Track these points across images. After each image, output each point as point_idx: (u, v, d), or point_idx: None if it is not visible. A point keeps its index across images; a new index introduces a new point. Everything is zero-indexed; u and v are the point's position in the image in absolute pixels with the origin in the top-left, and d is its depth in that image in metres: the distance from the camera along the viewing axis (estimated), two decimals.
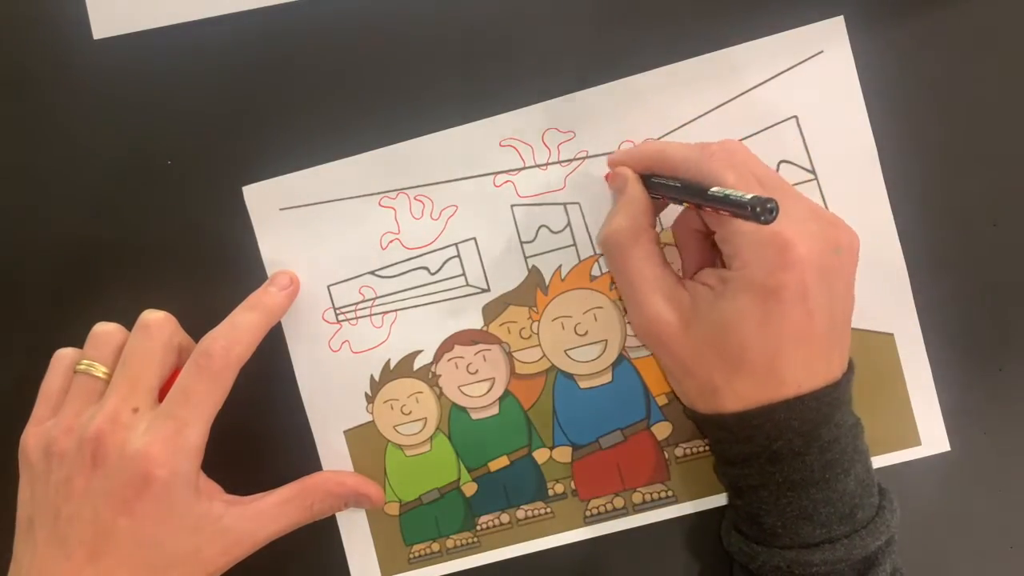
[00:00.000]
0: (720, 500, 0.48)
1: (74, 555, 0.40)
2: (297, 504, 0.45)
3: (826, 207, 0.47)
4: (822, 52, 0.46)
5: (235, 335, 0.44)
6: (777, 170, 0.47)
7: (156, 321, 0.44)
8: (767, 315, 0.39)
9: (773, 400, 0.39)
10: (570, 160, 0.48)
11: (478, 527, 0.49)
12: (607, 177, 0.47)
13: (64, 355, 0.46)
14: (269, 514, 0.44)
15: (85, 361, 0.44)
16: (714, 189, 0.39)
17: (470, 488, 0.49)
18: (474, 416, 0.49)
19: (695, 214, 0.44)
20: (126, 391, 0.42)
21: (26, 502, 0.43)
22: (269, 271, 0.49)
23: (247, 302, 0.46)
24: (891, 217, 0.47)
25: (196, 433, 0.42)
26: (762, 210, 0.35)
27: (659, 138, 0.47)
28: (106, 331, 0.44)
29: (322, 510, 0.46)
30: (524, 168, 0.48)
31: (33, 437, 0.44)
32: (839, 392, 0.40)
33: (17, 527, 0.43)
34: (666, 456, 0.48)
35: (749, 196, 0.36)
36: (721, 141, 0.42)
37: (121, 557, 0.40)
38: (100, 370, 0.44)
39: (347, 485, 0.47)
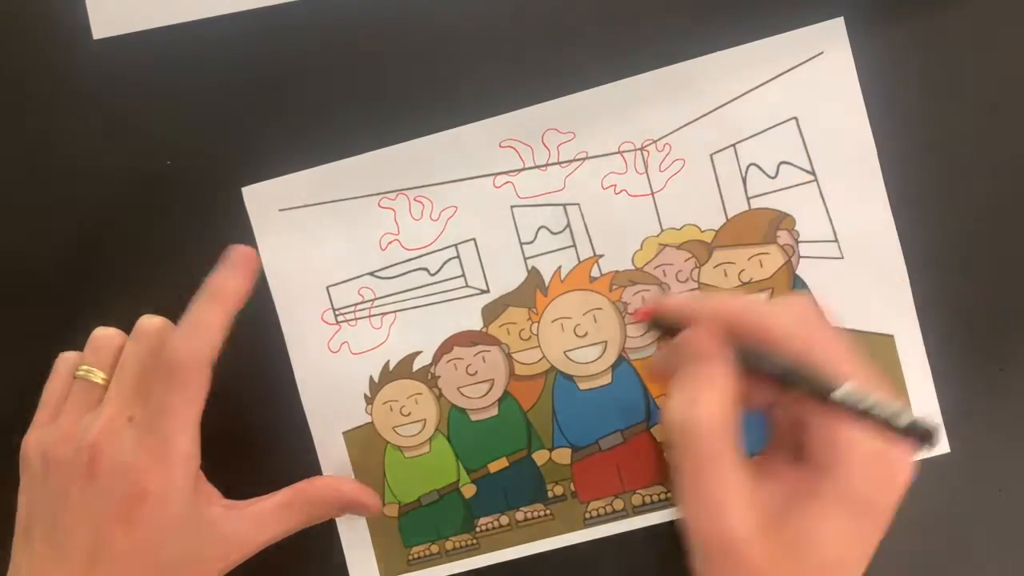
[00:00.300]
0: None
1: (71, 562, 0.40)
2: (295, 509, 0.45)
3: (826, 208, 0.47)
4: (822, 53, 0.46)
5: (198, 337, 0.42)
6: (777, 171, 0.47)
7: (152, 328, 0.44)
8: (862, 535, 0.35)
9: None
10: (570, 161, 0.48)
11: (477, 529, 0.49)
12: (640, 312, 0.42)
13: (66, 359, 0.45)
14: (267, 518, 0.44)
15: (84, 367, 0.44)
16: (847, 390, 0.33)
17: (469, 490, 0.49)
18: (473, 417, 0.49)
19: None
20: (122, 400, 0.42)
21: (24, 507, 0.43)
22: (269, 272, 0.49)
23: (207, 293, 0.43)
24: (891, 217, 0.47)
25: (183, 442, 0.41)
26: (924, 438, 0.31)
27: (660, 138, 0.47)
28: (105, 335, 0.44)
29: (319, 515, 0.46)
30: (524, 169, 0.48)
31: (33, 442, 0.44)
32: None
33: (16, 531, 0.43)
34: (666, 458, 0.48)
35: (903, 414, 0.32)
36: (799, 298, 0.38)
37: (117, 565, 0.40)
38: (99, 376, 0.44)
39: (345, 492, 0.47)
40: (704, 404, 0.35)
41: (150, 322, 0.44)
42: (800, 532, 0.35)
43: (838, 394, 0.33)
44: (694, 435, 0.35)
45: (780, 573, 0.34)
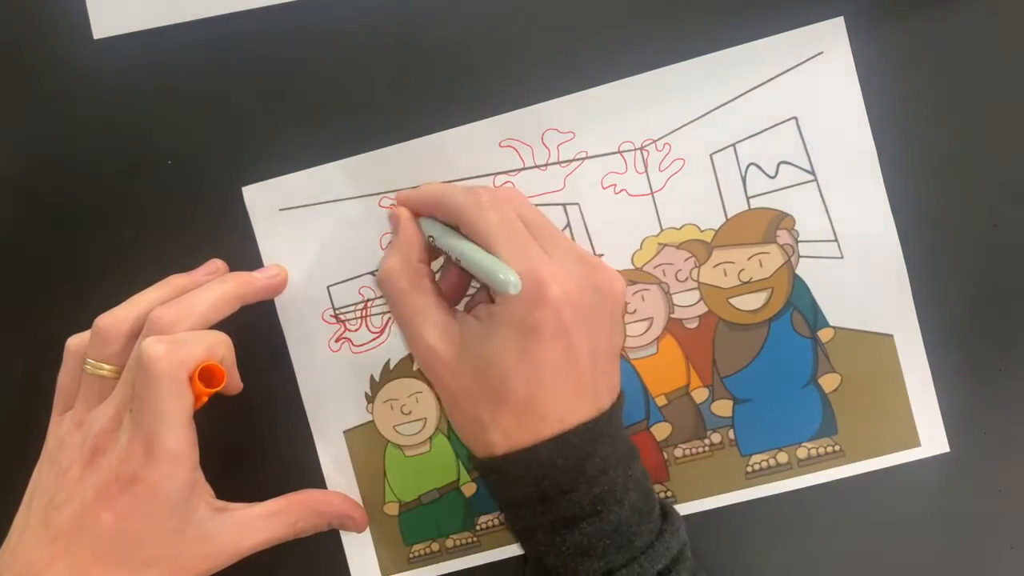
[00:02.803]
0: (720, 500, 0.48)
1: (55, 542, 0.41)
2: (282, 519, 0.45)
3: (826, 207, 0.47)
4: (822, 53, 0.46)
5: (173, 339, 0.42)
6: (777, 171, 0.47)
7: (166, 320, 0.44)
8: (526, 351, 0.40)
9: (537, 438, 0.40)
10: (570, 160, 0.48)
11: (478, 527, 0.49)
12: (389, 210, 0.48)
13: (73, 350, 0.46)
14: (253, 526, 0.44)
15: (91, 361, 0.44)
16: (469, 253, 0.42)
17: (470, 488, 0.49)
18: None
19: None
20: (129, 392, 0.42)
21: (33, 483, 0.44)
22: None
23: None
24: (891, 217, 0.47)
25: (169, 439, 0.41)
26: (502, 284, 0.39)
27: (660, 138, 0.47)
28: (105, 326, 0.44)
29: (305, 528, 0.46)
30: (524, 168, 0.48)
31: (53, 427, 0.45)
32: (601, 426, 0.41)
33: (22, 502, 0.44)
34: (665, 456, 0.48)
35: (493, 267, 0.40)
36: (494, 188, 0.44)
37: (98, 552, 0.41)
38: (105, 369, 0.44)
39: (334, 505, 0.48)
40: (389, 258, 0.45)
41: (162, 313, 0.43)
42: (480, 356, 0.41)
43: (466, 254, 0.42)
44: (386, 282, 0.44)
45: (471, 397, 0.42)
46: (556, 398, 0.40)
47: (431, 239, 0.45)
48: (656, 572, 0.41)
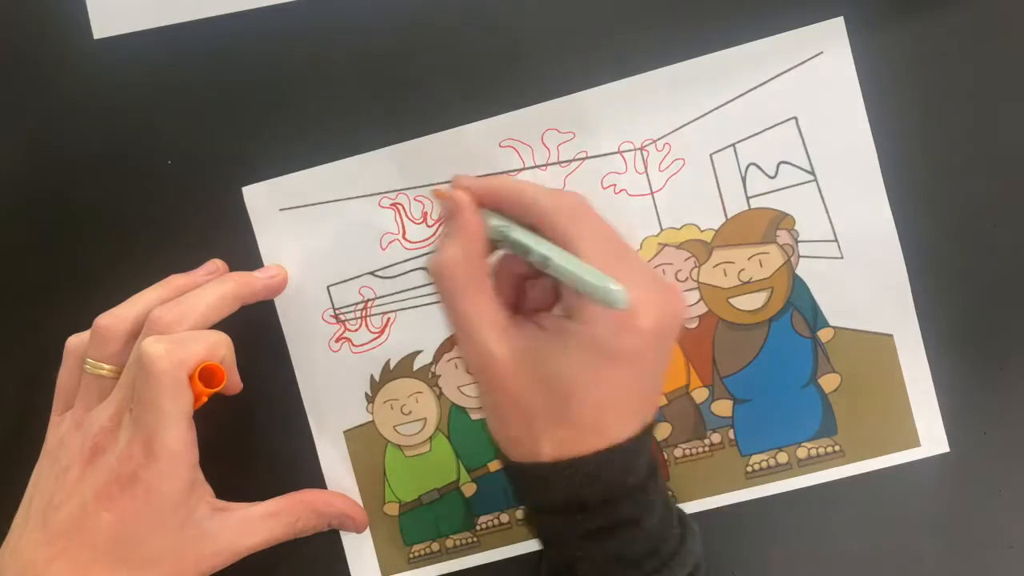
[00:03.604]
0: (721, 500, 0.48)
1: (54, 542, 0.41)
2: (282, 519, 0.45)
3: (826, 207, 0.47)
4: (822, 53, 0.46)
5: (173, 339, 0.42)
6: (776, 171, 0.47)
7: (166, 320, 0.44)
8: (601, 375, 0.39)
9: (588, 450, 0.39)
10: (570, 161, 0.48)
11: (478, 527, 0.49)
12: (436, 193, 0.45)
13: (73, 349, 0.46)
14: (253, 526, 0.44)
15: (90, 361, 0.44)
16: (563, 260, 0.38)
17: (470, 488, 0.49)
18: (474, 416, 0.49)
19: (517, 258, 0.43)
20: (129, 392, 0.42)
21: (33, 483, 0.44)
22: None
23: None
24: (891, 217, 0.47)
25: (171, 437, 0.41)
26: (612, 300, 0.37)
27: (660, 138, 0.47)
28: (105, 326, 0.44)
29: (305, 528, 0.46)
30: (524, 168, 0.48)
31: (53, 426, 0.45)
32: (643, 440, 0.41)
33: (22, 502, 0.44)
34: (665, 456, 0.48)
35: (600, 281, 0.37)
36: (572, 193, 0.42)
37: (98, 551, 0.41)
38: (104, 368, 0.44)
39: (334, 505, 0.48)
40: (446, 250, 0.41)
41: (162, 313, 0.43)
42: (547, 371, 0.39)
43: (557, 262, 0.38)
44: (438, 275, 0.41)
45: (526, 407, 0.40)
46: (617, 417, 0.40)
47: (498, 235, 0.41)
48: (686, 575, 0.41)
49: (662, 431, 0.48)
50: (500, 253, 0.43)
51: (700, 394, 0.48)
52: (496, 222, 0.41)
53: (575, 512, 0.40)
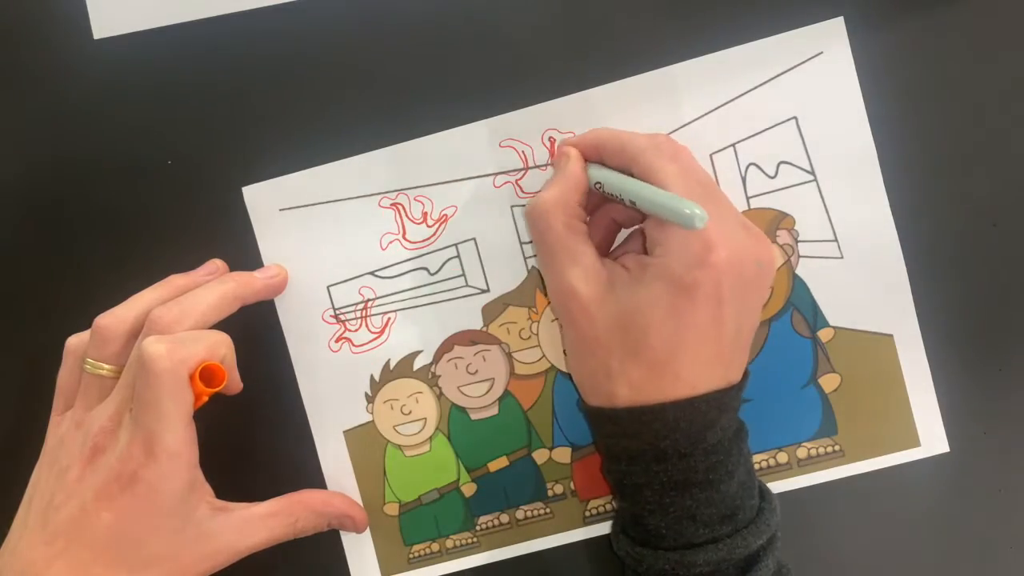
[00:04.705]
0: None
1: (54, 542, 0.41)
2: (282, 519, 0.45)
3: (826, 207, 0.47)
4: (822, 53, 0.46)
5: (172, 339, 0.42)
6: (776, 171, 0.47)
7: (166, 320, 0.44)
8: (676, 308, 0.39)
9: (666, 397, 0.40)
10: None
11: (477, 527, 0.49)
12: (553, 151, 0.47)
13: (73, 349, 0.46)
14: (253, 526, 0.44)
15: (90, 361, 0.44)
16: (647, 190, 0.40)
17: (469, 488, 0.49)
18: (474, 416, 0.49)
19: (614, 205, 0.45)
20: (129, 392, 0.42)
21: (33, 483, 0.44)
22: None
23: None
24: (891, 217, 0.47)
25: (171, 437, 0.41)
26: (688, 218, 0.38)
27: None
28: (105, 326, 0.44)
29: (305, 528, 0.46)
30: (524, 169, 0.48)
31: (53, 426, 0.45)
32: (730, 398, 0.41)
33: (22, 502, 0.44)
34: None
35: (677, 203, 0.39)
36: (664, 135, 0.43)
37: (98, 551, 0.41)
38: (104, 368, 0.44)
39: (334, 505, 0.48)
40: (544, 192, 0.43)
41: (162, 314, 0.43)
42: (625, 305, 0.40)
43: (635, 201, 0.41)
44: (537, 212, 0.43)
45: (605, 344, 0.41)
46: (694, 362, 0.40)
47: (598, 186, 0.43)
48: (757, 547, 0.41)
49: None
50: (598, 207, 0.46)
51: None
52: (595, 175, 0.43)
53: (650, 461, 0.40)
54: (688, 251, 0.39)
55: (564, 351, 0.47)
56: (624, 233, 0.47)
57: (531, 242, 0.47)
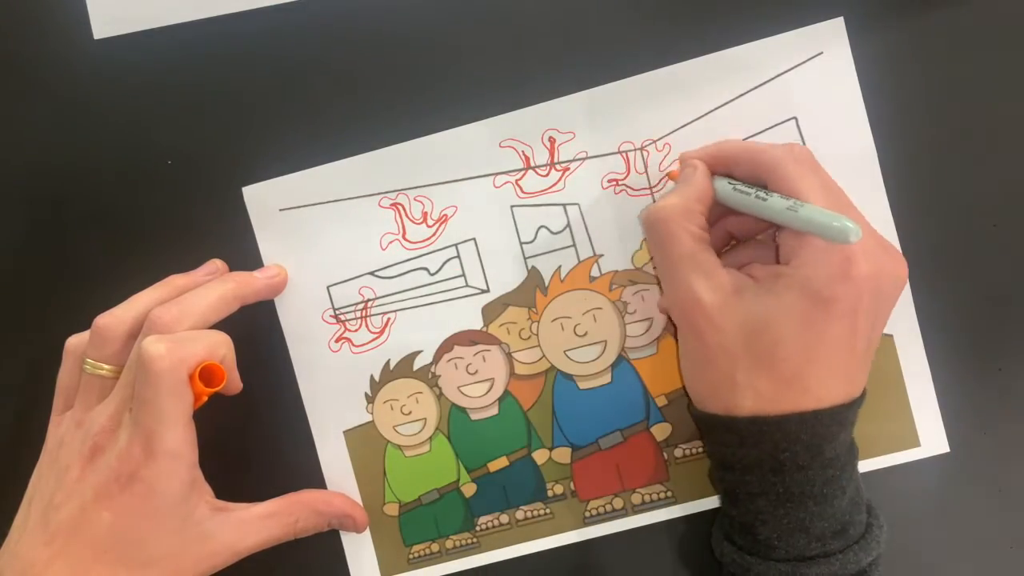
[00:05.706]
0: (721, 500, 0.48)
1: (54, 542, 0.41)
2: (282, 519, 0.45)
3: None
4: (822, 53, 0.46)
5: (172, 339, 0.42)
6: None
7: (166, 320, 0.44)
8: (811, 320, 0.39)
9: (790, 409, 0.39)
10: (570, 161, 0.48)
11: (477, 527, 0.49)
12: (672, 174, 0.47)
13: (72, 349, 0.46)
14: (252, 526, 0.44)
15: (90, 361, 0.44)
16: (791, 203, 0.39)
17: (469, 489, 0.49)
18: (473, 417, 0.49)
19: (731, 218, 0.44)
20: (128, 391, 0.42)
21: (33, 483, 0.44)
22: None
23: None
24: (891, 217, 0.47)
25: (171, 437, 0.41)
26: (845, 233, 0.37)
27: (660, 138, 0.47)
28: (105, 326, 0.44)
29: (305, 528, 0.46)
30: (524, 169, 0.48)
31: (53, 427, 0.45)
32: (848, 412, 0.40)
33: (22, 502, 0.44)
34: (665, 457, 0.48)
35: (830, 218, 0.38)
36: (799, 145, 0.43)
37: (98, 551, 0.41)
38: (104, 368, 0.44)
39: (334, 505, 0.48)
40: (665, 200, 0.42)
41: (161, 314, 0.43)
42: (754, 315, 0.40)
43: (776, 214, 0.40)
44: (657, 217, 0.42)
45: (729, 354, 0.40)
46: (823, 375, 0.39)
47: (726, 192, 0.42)
48: (867, 563, 0.40)
49: (662, 431, 0.48)
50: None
51: None
52: (721, 188, 0.43)
53: (767, 472, 0.40)
54: (829, 264, 0.38)
55: (678, 359, 0.45)
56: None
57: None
